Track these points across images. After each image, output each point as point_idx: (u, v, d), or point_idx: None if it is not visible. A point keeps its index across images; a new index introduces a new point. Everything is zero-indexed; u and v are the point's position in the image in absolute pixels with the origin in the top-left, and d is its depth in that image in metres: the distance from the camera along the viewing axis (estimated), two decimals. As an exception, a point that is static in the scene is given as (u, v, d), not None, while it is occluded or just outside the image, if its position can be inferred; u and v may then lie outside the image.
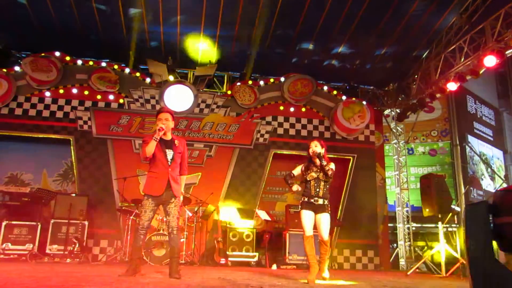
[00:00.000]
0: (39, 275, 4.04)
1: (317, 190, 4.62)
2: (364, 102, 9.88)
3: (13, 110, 8.70)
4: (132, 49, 9.16)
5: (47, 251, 7.30)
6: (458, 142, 12.65)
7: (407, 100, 10.40)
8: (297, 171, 4.87)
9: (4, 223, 7.19)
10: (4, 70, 8.74)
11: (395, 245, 11.39)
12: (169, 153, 4.44)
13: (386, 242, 10.04)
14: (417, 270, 7.98)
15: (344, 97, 9.94)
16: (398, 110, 10.86)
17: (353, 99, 9.87)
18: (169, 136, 4.52)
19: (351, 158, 9.68)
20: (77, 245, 7.23)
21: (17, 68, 8.84)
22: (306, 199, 4.66)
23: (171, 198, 4.39)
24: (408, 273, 7.46)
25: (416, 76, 9.96)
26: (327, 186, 4.69)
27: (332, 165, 4.72)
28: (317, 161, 4.68)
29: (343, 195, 9.48)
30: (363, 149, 9.85)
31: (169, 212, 4.38)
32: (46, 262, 6.99)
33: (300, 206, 4.72)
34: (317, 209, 4.61)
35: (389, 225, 10.72)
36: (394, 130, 11.17)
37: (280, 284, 4.00)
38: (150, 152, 4.29)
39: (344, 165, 9.69)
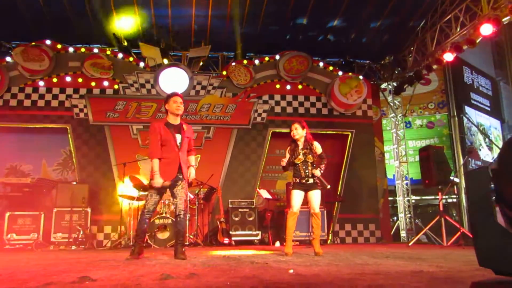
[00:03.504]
0: (46, 262, 4.08)
1: (307, 171, 4.96)
2: (361, 77, 9.82)
3: (7, 101, 8.63)
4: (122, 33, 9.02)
5: (52, 239, 7.35)
6: (455, 114, 12.66)
7: (404, 73, 10.35)
8: (287, 157, 5.12)
9: (7, 214, 7.23)
10: (-4, 61, 8.65)
11: (395, 218, 11.53)
12: (178, 137, 4.51)
13: (386, 216, 10.14)
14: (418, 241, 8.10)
15: (340, 73, 9.87)
16: (395, 84, 10.82)
17: (350, 74, 9.81)
18: (178, 121, 4.59)
19: (350, 133, 9.68)
20: (81, 232, 7.29)
21: (8, 59, 8.73)
22: (298, 180, 4.99)
23: (179, 181, 4.44)
24: (410, 244, 7.57)
25: (412, 48, 9.89)
26: (314, 165, 5.01)
27: (318, 147, 5.10)
28: (301, 145, 5.06)
29: (342, 171, 9.52)
30: (361, 124, 9.84)
31: (176, 195, 4.42)
32: (51, 250, 7.04)
33: (292, 186, 5.04)
34: (308, 188, 4.96)
35: (389, 198, 10.81)
36: (392, 104, 11.15)
37: (284, 260, 4.05)
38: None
39: (342, 141, 9.70)
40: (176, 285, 2.13)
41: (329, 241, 8.71)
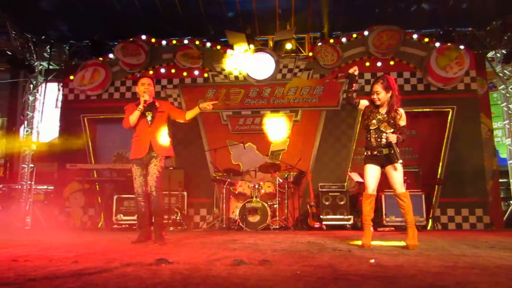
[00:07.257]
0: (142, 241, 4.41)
1: (378, 140, 4.00)
2: (462, 47, 8.85)
3: (112, 94, 9.52)
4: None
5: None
6: None
7: (515, 38, 9.09)
8: (364, 102, 4.22)
9: (115, 197, 8.01)
10: (101, 58, 9.54)
11: (510, 202, 10.34)
12: (148, 115, 4.53)
13: (497, 199, 9.14)
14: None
15: (437, 44, 9.01)
16: (504, 51, 9.56)
17: (449, 44, 8.90)
18: (149, 100, 4.57)
19: (450, 110, 8.83)
20: (179, 214, 7.76)
21: (111, 56, 9.59)
22: (369, 153, 4.07)
23: (152, 158, 4.43)
24: (524, 231, 6.72)
25: (525, 9, 8.62)
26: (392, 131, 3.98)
27: (404, 117, 4.05)
28: (383, 109, 4.05)
29: (443, 151, 8.76)
30: (464, 99, 8.90)
31: (149, 172, 4.43)
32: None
33: (364, 161, 4.16)
34: (384, 162, 4.00)
35: (500, 180, 9.70)
36: (501, 75, 9.90)
37: (371, 247, 3.84)
38: (133, 121, 4.47)
39: (442, 119, 8.91)
40: (246, 272, 2.11)
41: (429, 227, 8.14)
